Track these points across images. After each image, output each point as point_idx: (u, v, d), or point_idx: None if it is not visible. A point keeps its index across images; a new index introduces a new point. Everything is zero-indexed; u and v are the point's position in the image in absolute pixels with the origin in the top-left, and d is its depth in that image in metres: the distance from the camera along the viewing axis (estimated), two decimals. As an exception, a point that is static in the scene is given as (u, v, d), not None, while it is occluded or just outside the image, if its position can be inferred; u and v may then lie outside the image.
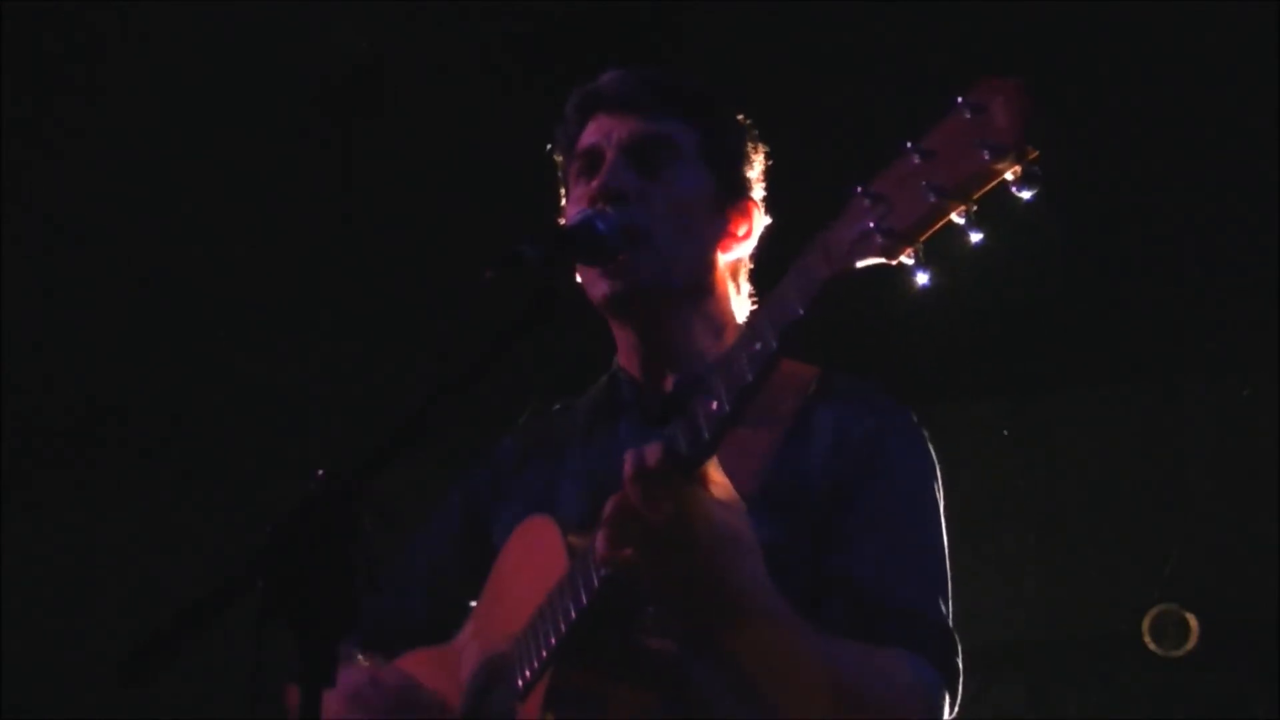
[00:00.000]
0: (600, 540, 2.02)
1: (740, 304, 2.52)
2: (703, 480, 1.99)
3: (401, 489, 2.61)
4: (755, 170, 2.54)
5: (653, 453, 1.95)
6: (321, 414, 6.60)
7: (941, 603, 2.21)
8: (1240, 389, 6.30)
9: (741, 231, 2.50)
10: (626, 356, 2.50)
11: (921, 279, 1.78)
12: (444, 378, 2.03)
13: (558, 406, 2.65)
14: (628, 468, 1.97)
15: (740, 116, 2.55)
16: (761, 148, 2.56)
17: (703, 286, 2.46)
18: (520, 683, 2.22)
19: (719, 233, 2.48)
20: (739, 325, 2.48)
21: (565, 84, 2.60)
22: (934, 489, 2.31)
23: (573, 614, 2.12)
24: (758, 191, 2.54)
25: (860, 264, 1.81)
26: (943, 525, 2.29)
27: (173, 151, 5.69)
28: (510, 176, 5.47)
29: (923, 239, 1.77)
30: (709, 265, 2.46)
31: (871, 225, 1.77)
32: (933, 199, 1.73)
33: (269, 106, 5.51)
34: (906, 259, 1.78)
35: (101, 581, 7.19)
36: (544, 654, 2.17)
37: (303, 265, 6.21)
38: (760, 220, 2.53)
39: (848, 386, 2.36)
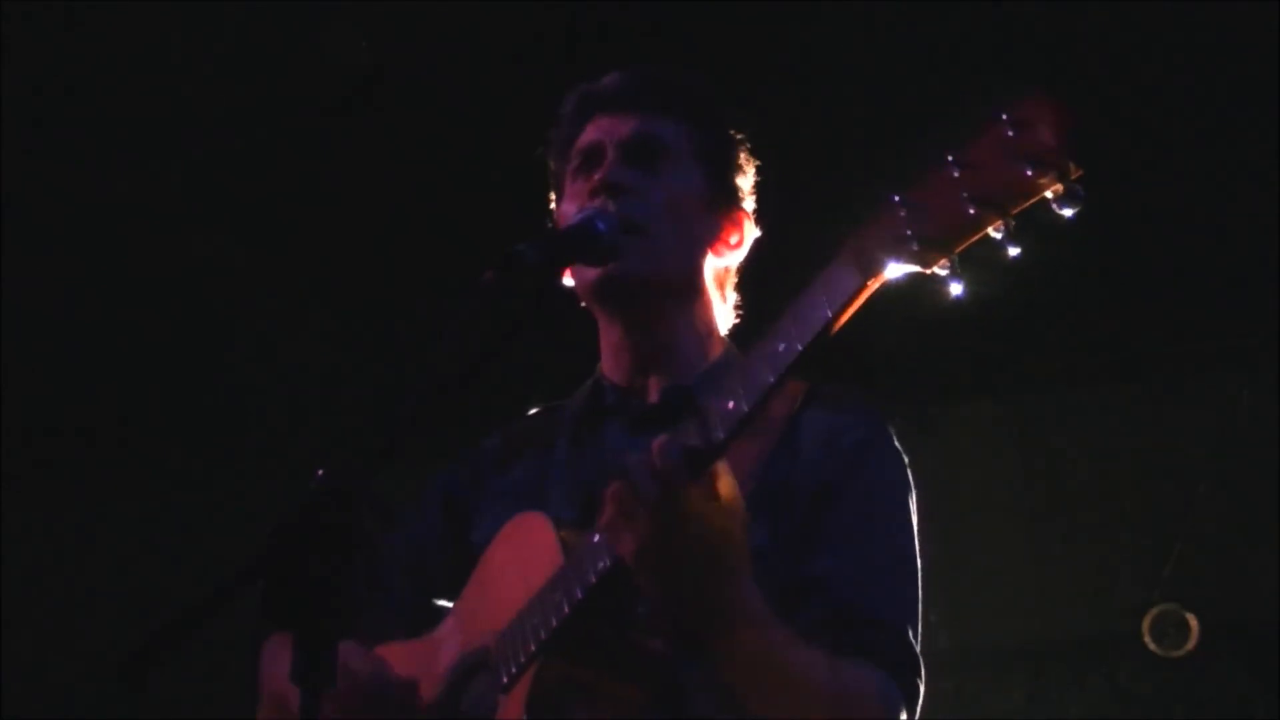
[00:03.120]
0: (605, 517, 2.02)
1: (724, 313, 2.54)
2: (712, 479, 2.00)
3: (401, 489, 2.62)
4: (748, 181, 2.57)
5: (660, 449, 1.96)
6: (321, 414, 6.60)
7: (910, 624, 2.25)
8: (1240, 389, 6.30)
9: (734, 239, 2.53)
10: (611, 360, 2.51)
11: (955, 290, 1.78)
12: (443, 378, 2.03)
13: (536, 410, 2.66)
14: (633, 462, 1.97)
15: (734, 130, 2.57)
16: (754, 160, 2.58)
17: (692, 288, 2.48)
18: (505, 676, 2.22)
19: (711, 236, 2.50)
20: (723, 337, 2.50)
21: (564, 84, 2.61)
22: (912, 507, 2.35)
23: (565, 609, 2.13)
24: (750, 203, 2.56)
25: (894, 271, 1.80)
26: (916, 544, 2.32)
27: (175, 151, 5.69)
28: (510, 177, 5.47)
29: (959, 250, 1.76)
30: (698, 267, 2.48)
31: (908, 233, 1.77)
32: (972, 210, 1.72)
33: (269, 106, 5.51)
34: (940, 269, 1.78)
35: (101, 581, 7.19)
36: (532, 647, 2.18)
37: (303, 265, 6.22)
38: (751, 231, 2.55)
39: (835, 396, 2.39)
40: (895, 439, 2.39)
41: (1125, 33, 5.05)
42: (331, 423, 6.47)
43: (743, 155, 2.57)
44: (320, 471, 1.82)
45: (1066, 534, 6.55)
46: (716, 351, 2.47)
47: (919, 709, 2.22)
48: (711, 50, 5.06)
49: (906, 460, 2.38)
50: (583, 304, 2.51)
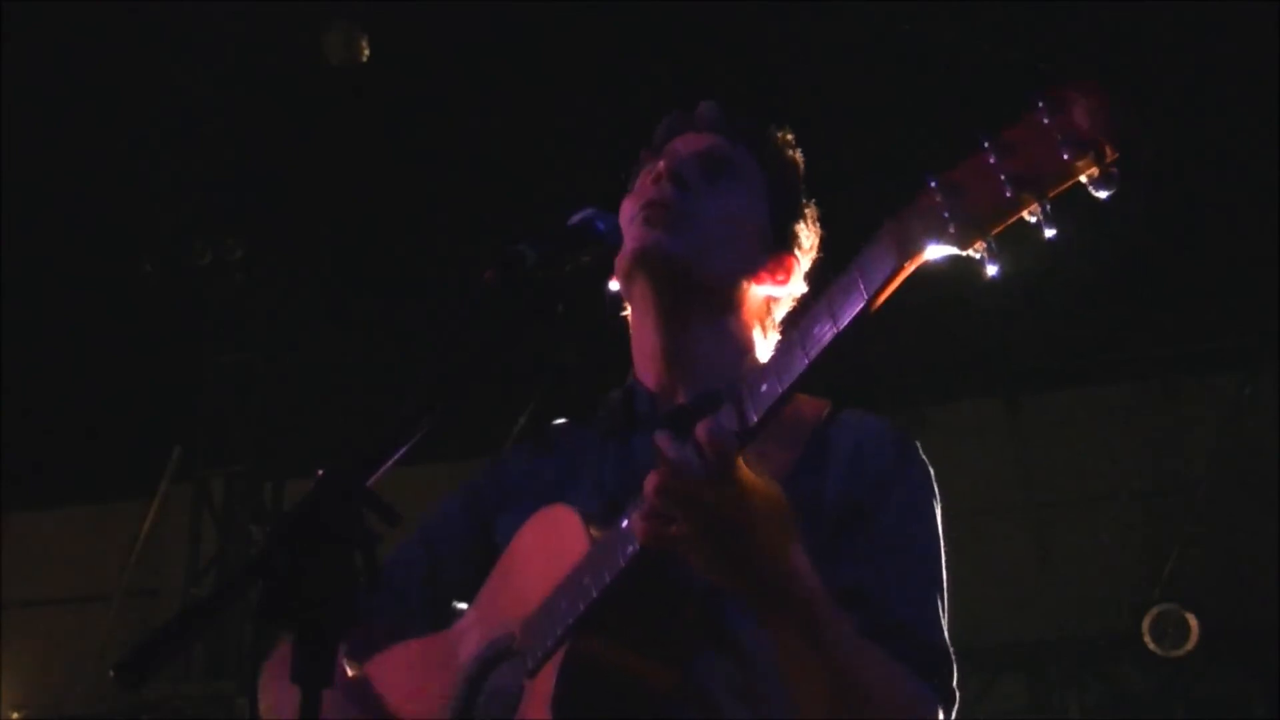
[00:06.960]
0: (641, 514, 2.02)
1: (762, 345, 2.56)
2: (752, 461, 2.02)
3: (402, 489, 2.62)
4: (806, 241, 2.60)
5: (706, 427, 1.96)
6: (322, 413, 6.61)
7: (944, 629, 2.27)
8: (1240, 389, 6.31)
9: (779, 276, 2.55)
10: (643, 362, 2.53)
11: (991, 271, 1.79)
12: (443, 377, 2.03)
13: (563, 421, 2.67)
14: (672, 448, 1.98)
15: (808, 200, 2.63)
16: (819, 230, 2.63)
17: (727, 299, 2.49)
18: (531, 661, 2.23)
19: (757, 264, 2.53)
20: (758, 360, 2.50)
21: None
22: (938, 521, 2.36)
23: (594, 593, 2.14)
24: (804, 261, 2.59)
25: (933, 252, 1.81)
26: (943, 554, 2.34)
27: (176, 152, 5.70)
28: (510, 177, 5.48)
29: (995, 232, 1.77)
30: (737, 283, 2.50)
31: (946, 215, 1.77)
32: (1009, 192, 1.73)
33: (270, 106, 5.52)
34: (975, 252, 1.78)
35: (101, 581, 7.19)
36: (559, 631, 2.18)
37: (303, 265, 6.22)
38: (798, 282, 2.58)
39: (861, 419, 2.41)
40: (920, 450, 2.41)
41: (1124, 33, 5.05)
42: (332, 422, 6.47)
43: (808, 213, 2.61)
44: (320, 471, 1.81)
45: (1066, 534, 6.56)
46: (748, 369, 2.48)
47: (954, 712, 2.24)
48: (711, 50, 5.06)
49: (932, 472, 2.40)
50: (616, 304, 2.53)
